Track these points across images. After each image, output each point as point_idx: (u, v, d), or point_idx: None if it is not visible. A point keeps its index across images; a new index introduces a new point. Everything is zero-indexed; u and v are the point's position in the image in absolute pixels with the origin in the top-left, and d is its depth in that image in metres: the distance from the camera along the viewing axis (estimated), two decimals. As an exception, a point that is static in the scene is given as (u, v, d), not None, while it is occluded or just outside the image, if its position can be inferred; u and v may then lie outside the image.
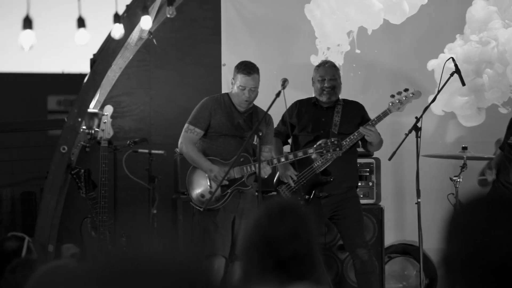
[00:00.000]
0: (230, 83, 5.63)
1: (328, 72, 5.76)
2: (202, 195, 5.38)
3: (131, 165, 6.06)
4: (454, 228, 1.69)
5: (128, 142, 6.07)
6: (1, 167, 6.88)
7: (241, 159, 5.36)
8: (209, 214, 5.33)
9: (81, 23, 3.31)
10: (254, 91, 5.39)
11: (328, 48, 7.05)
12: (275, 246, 2.53)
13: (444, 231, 1.68)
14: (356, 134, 5.56)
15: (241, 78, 5.38)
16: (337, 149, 5.39)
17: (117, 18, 4.04)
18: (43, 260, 5.38)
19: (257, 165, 5.27)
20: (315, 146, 5.44)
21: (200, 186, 5.40)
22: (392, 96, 5.61)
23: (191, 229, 5.67)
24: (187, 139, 5.47)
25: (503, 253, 1.62)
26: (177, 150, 6.32)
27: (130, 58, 6.84)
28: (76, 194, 6.12)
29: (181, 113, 6.89)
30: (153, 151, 5.87)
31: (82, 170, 5.96)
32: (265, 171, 5.31)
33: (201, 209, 5.32)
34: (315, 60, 6.98)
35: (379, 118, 5.57)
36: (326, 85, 5.72)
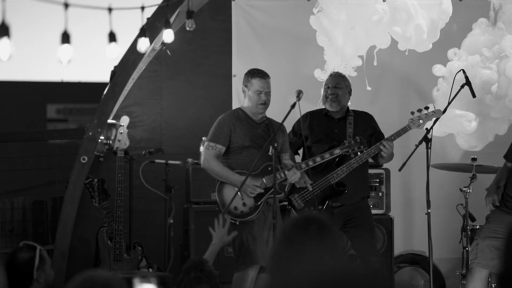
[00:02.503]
0: (241, 93, 5.67)
1: (333, 80, 5.87)
2: (235, 208, 5.36)
3: (146, 175, 6.13)
4: (509, 246, 1.75)
5: (144, 152, 6.14)
6: (13, 176, 6.92)
7: (269, 168, 5.39)
8: (246, 226, 5.33)
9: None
10: (269, 94, 5.49)
11: (336, 57, 7.15)
12: (298, 252, 2.62)
13: (503, 248, 1.74)
14: (374, 148, 5.63)
15: (256, 82, 5.46)
16: (361, 146, 5.49)
17: (142, 32, 4.11)
18: (63, 268, 5.44)
19: (286, 171, 5.37)
20: (340, 146, 5.53)
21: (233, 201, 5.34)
22: (412, 113, 5.66)
23: (204, 238, 5.66)
24: (210, 155, 5.47)
25: None
26: (189, 160, 6.39)
27: (143, 68, 6.91)
28: (89, 203, 6.18)
29: (192, 124, 6.97)
30: (169, 161, 5.93)
31: (96, 180, 6.02)
32: (295, 176, 5.39)
33: (237, 222, 5.30)
34: (320, 75, 7.08)
35: (398, 134, 5.63)
36: (329, 92, 5.81)
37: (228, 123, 5.47)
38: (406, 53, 7.16)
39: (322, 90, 5.99)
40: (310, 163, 5.52)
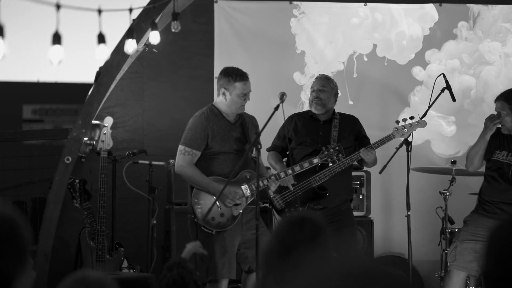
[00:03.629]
0: (220, 92, 5.48)
1: (318, 83, 5.88)
2: (213, 218, 5.27)
3: (129, 176, 6.13)
4: (492, 246, 1.79)
5: (127, 153, 6.15)
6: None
7: (248, 176, 5.38)
8: (218, 238, 5.27)
9: (101, 39, 3.39)
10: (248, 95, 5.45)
11: (316, 63, 7.21)
12: (292, 251, 2.67)
13: (484, 248, 1.79)
14: (355, 155, 5.67)
15: (240, 86, 5.34)
16: (340, 155, 5.52)
17: (130, 33, 4.12)
18: (45, 269, 5.43)
19: (264, 180, 5.34)
20: (319, 155, 5.56)
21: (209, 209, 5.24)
22: (397, 122, 5.71)
23: (185, 240, 5.65)
24: (186, 162, 5.34)
25: None
26: (171, 161, 6.38)
27: (125, 70, 6.91)
28: (69, 204, 6.17)
29: (174, 125, 6.97)
30: (153, 162, 5.93)
31: (77, 181, 6.01)
32: (275, 186, 5.40)
33: (213, 232, 5.26)
34: (299, 79, 7.14)
35: (382, 142, 5.67)
36: (314, 95, 5.84)
37: (205, 128, 5.34)
38: (385, 63, 7.24)
39: (309, 92, 6.00)
40: (289, 172, 5.53)
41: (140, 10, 5.88)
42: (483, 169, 5.77)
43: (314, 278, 1.46)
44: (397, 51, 7.28)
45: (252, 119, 5.50)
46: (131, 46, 4.11)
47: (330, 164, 5.56)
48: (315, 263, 2.53)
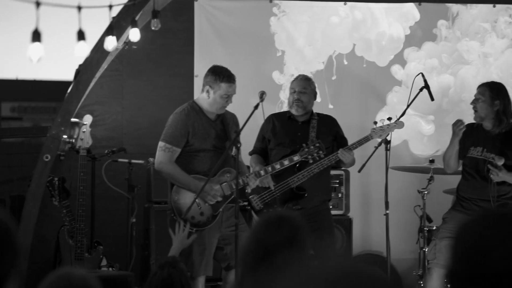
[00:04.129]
0: (205, 89, 5.43)
1: (299, 84, 5.87)
2: (192, 217, 5.25)
3: (108, 174, 6.12)
4: (458, 245, 1.80)
5: (107, 151, 6.13)
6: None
7: (228, 175, 5.37)
8: (199, 235, 5.18)
9: (81, 36, 3.39)
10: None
11: (296, 62, 7.23)
12: (269, 251, 2.67)
13: (451, 246, 1.80)
14: (333, 156, 5.69)
15: (226, 87, 5.32)
16: (320, 152, 5.53)
17: (109, 30, 4.11)
18: (24, 267, 5.40)
19: (244, 179, 5.34)
20: (299, 152, 5.57)
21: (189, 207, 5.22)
22: (375, 123, 5.74)
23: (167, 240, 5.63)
24: (166, 159, 5.30)
25: (505, 271, 1.70)
26: (151, 159, 6.36)
27: (105, 67, 6.89)
28: (48, 202, 6.14)
29: (153, 123, 6.96)
30: (133, 161, 5.92)
31: (56, 179, 5.98)
32: (255, 183, 5.40)
33: (194, 230, 5.20)
34: (278, 78, 7.16)
35: (360, 143, 5.69)
36: (295, 97, 5.84)
37: (186, 125, 5.31)
38: (364, 65, 7.27)
39: (289, 92, 6.00)
40: (269, 169, 5.53)
41: (120, 8, 5.87)
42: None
43: (295, 282, 1.47)
44: (377, 51, 7.32)
45: (233, 117, 5.51)
46: (111, 43, 4.10)
47: (311, 161, 5.57)
48: (295, 266, 2.54)
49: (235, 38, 7.17)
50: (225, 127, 5.42)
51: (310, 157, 5.54)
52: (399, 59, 7.35)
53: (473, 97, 5.72)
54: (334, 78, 7.27)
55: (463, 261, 1.75)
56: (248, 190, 5.47)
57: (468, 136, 5.71)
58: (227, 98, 5.33)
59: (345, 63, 7.28)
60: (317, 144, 5.55)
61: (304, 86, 5.84)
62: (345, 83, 7.29)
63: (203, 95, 5.38)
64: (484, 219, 1.82)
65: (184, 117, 5.33)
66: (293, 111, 5.85)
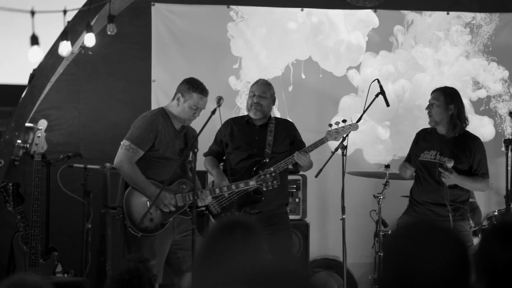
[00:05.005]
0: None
1: (259, 88, 5.88)
2: (141, 222, 5.21)
3: (64, 179, 6.06)
4: (385, 253, 1.82)
5: (62, 156, 6.07)
6: None
7: (183, 187, 5.37)
8: (147, 241, 5.22)
9: (34, 40, 3.35)
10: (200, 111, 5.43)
11: (253, 68, 7.24)
12: (224, 256, 2.67)
13: (382, 259, 1.83)
14: (289, 159, 5.71)
15: (197, 98, 5.33)
16: (275, 181, 5.57)
17: (65, 35, 4.08)
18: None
19: (199, 193, 5.31)
20: (255, 178, 5.59)
21: (140, 213, 5.22)
22: (330, 125, 5.77)
23: (122, 245, 5.59)
24: (129, 158, 5.25)
25: (430, 278, 1.73)
26: (107, 165, 6.32)
27: (60, 72, 6.83)
28: (2, 208, 6.06)
29: (110, 128, 6.92)
30: (88, 166, 5.87)
31: (10, 184, 5.91)
32: (206, 201, 5.41)
33: (139, 235, 5.22)
34: (235, 83, 7.17)
35: (315, 145, 5.72)
36: (254, 101, 5.85)
37: (155, 130, 5.27)
38: (320, 75, 7.32)
39: (248, 96, 6.00)
40: (225, 189, 5.55)
41: (75, 12, 5.82)
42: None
43: (217, 283, 1.46)
44: (334, 61, 7.36)
45: (193, 132, 5.50)
46: (65, 48, 4.07)
47: (264, 189, 5.62)
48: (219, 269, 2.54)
49: (192, 43, 7.16)
50: (187, 140, 5.43)
51: (264, 184, 5.58)
52: (356, 65, 7.41)
53: (428, 103, 5.80)
54: (291, 85, 7.30)
55: (393, 273, 1.77)
56: (200, 204, 5.46)
57: (422, 141, 5.78)
58: (196, 110, 5.33)
59: (302, 70, 7.31)
60: (273, 174, 5.58)
61: (264, 91, 5.86)
62: (302, 90, 7.32)
63: (173, 103, 5.39)
64: (414, 231, 1.84)
65: (154, 121, 5.31)
66: (251, 115, 5.86)
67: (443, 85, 6.07)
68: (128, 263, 3.36)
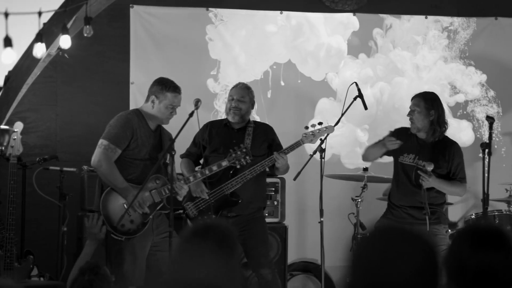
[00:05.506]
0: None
1: (238, 92, 5.88)
2: (122, 225, 5.19)
3: (40, 182, 6.01)
4: (355, 259, 1.82)
5: (38, 159, 6.03)
6: None
7: (157, 181, 5.33)
8: (128, 244, 5.20)
9: (7, 42, 3.32)
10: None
11: (232, 71, 7.23)
12: (195, 261, 2.65)
13: (349, 261, 1.82)
14: (268, 161, 5.71)
15: (171, 98, 5.32)
16: (247, 157, 5.54)
17: (39, 37, 4.04)
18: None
19: (174, 185, 5.32)
20: (227, 157, 5.57)
21: (118, 216, 5.17)
22: (306, 127, 5.77)
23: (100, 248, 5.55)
24: (108, 159, 5.22)
25: (398, 284, 1.73)
26: (84, 167, 6.28)
27: (38, 74, 6.78)
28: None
29: (88, 131, 6.88)
30: (64, 169, 5.83)
31: (-15, 187, 5.87)
32: (183, 191, 5.37)
33: (123, 239, 5.19)
34: (213, 86, 7.16)
35: (292, 148, 5.73)
36: (233, 104, 5.84)
37: (131, 129, 5.25)
38: (299, 81, 7.32)
39: (227, 100, 5.98)
40: (198, 175, 5.52)
41: (51, 14, 5.78)
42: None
43: None
44: (314, 64, 7.36)
45: (169, 135, 5.48)
46: (40, 50, 4.04)
47: (238, 167, 5.58)
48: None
49: (171, 45, 7.14)
50: (162, 140, 5.40)
51: (237, 162, 5.54)
52: (335, 68, 7.42)
53: (408, 109, 5.81)
54: (270, 89, 7.30)
55: (361, 280, 1.76)
56: (180, 198, 5.44)
57: (401, 140, 5.78)
58: (172, 109, 5.33)
59: (282, 74, 7.31)
60: (244, 150, 5.55)
61: (243, 95, 5.86)
62: (281, 93, 7.32)
63: (148, 105, 5.36)
64: (382, 238, 1.84)
65: (130, 120, 5.29)
66: (230, 118, 5.86)
67: (422, 90, 6.09)
68: (81, 278, 3.32)
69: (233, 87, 5.97)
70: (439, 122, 5.73)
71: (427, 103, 5.72)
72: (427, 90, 6.05)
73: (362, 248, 1.82)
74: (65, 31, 4.37)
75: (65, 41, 4.43)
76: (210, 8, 7.24)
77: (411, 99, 5.82)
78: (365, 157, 6.02)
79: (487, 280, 2.36)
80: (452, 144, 5.82)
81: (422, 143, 5.76)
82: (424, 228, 5.55)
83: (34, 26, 4.09)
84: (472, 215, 6.72)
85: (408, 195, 5.72)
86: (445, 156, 5.73)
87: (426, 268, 1.80)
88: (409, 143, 5.79)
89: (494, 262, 2.36)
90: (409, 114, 5.77)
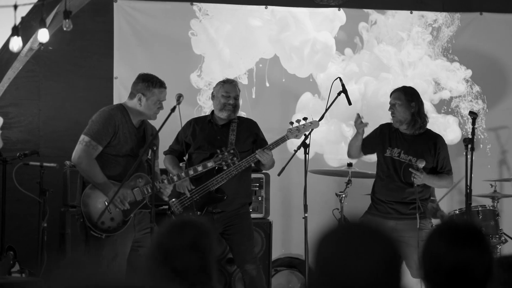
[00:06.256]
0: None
1: (234, 90, 5.80)
2: (102, 223, 5.13)
3: (21, 177, 5.96)
4: (317, 257, 1.79)
5: (18, 154, 5.97)
6: None
7: (140, 180, 5.28)
8: (108, 241, 5.13)
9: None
10: None
11: (216, 66, 7.19)
12: (170, 256, 2.61)
13: (312, 257, 1.79)
14: (251, 157, 5.67)
15: (158, 93, 5.26)
16: (234, 158, 5.50)
17: (15, 31, 4.00)
18: None
19: (158, 184, 5.26)
20: (213, 158, 5.53)
21: (99, 212, 5.11)
22: (291, 123, 5.74)
23: (81, 245, 5.49)
24: (88, 155, 5.15)
25: (359, 282, 1.70)
26: (67, 163, 6.23)
27: (20, 68, 6.73)
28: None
29: (71, 126, 6.83)
30: (45, 164, 5.78)
31: (-35, 182, 5.82)
32: (167, 191, 5.33)
33: (103, 236, 5.13)
34: (196, 81, 7.11)
35: (277, 143, 5.68)
36: (230, 102, 5.77)
37: (114, 125, 5.19)
38: (283, 80, 7.28)
39: (214, 93, 5.88)
40: (182, 175, 5.48)
41: (29, 7, 5.72)
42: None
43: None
44: (299, 60, 7.33)
45: (153, 129, 5.43)
46: (16, 44, 3.99)
47: (225, 168, 5.54)
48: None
49: (155, 40, 7.10)
50: (146, 136, 5.36)
51: (224, 163, 5.50)
52: (322, 67, 7.38)
53: (389, 104, 5.80)
54: (254, 85, 7.26)
55: (323, 273, 1.73)
56: (165, 198, 5.40)
57: (384, 136, 5.77)
58: (160, 104, 5.28)
59: (266, 70, 7.28)
60: (231, 151, 5.51)
61: (238, 93, 5.82)
62: (266, 89, 7.29)
63: (134, 102, 5.29)
64: (343, 234, 1.81)
65: (113, 116, 5.22)
66: (224, 115, 5.76)
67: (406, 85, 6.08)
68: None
69: (226, 83, 5.84)
70: (420, 114, 5.74)
71: (407, 96, 5.74)
72: (405, 85, 6.05)
73: (323, 245, 1.79)
74: (42, 24, 4.32)
75: (43, 35, 4.38)
76: (194, 3, 7.19)
77: (390, 94, 5.82)
78: (348, 153, 6.03)
79: (462, 277, 2.34)
80: (437, 137, 5.83)
81: (406, 137, 5.76)
82: (397, 224, 5.60)
83: (11, 19, 4.04)
84: (457, 210, 6.71)
85: (393, 190, 5.71)
86: (430, 150, 5.74)
87: (389, 265, 1.77)
88: (393, 137, 5.78)
89: (470, 259, 2.34)
90: (390, 108, 5.77)
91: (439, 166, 5.74)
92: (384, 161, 5.80)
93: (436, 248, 2.37)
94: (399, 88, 5.89)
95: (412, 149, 5.71)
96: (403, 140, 5.75)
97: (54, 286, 1.34)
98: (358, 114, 5.85)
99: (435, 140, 5.79)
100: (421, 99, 5.83)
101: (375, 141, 5.88)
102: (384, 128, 5.87)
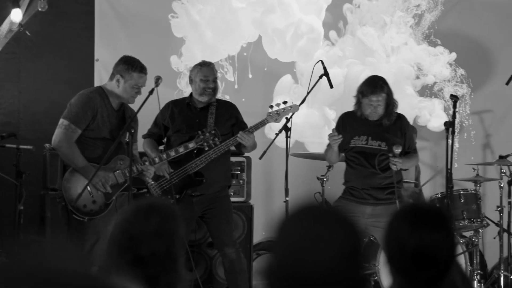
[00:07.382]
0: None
1: (212, 73, 5.75)
2: (84, 206, 5.13)
3: (-3, 160, 5.93)
4: (276, 245, 1.75)
5: (-5, 136, 5.93)
6: None
7: (121, 162, 5.26)
8: (90, 224, 5.12)
9: None
10: None
11: (199, 49, 7.15)
12: (135, 242, 2.55)
13: (272, 247, 1.75)
14: (232, 140, 5.63)
15: (137, 78, 5.23)
16: (216, 139, 5.47)
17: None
18: None
19: (139, 166, 5.23)
20: (194, 139, 5.50)
21: (82, 198, 5.09)
22: (271, 106, 5.70)
23: (62, 228, 5.47)
24: (68, 139, 5.13)
25: (317, 269, 1.67)
26: (47, 145, 6.19)
27: (0, 50, 6.67)
28: None
29: (52, 108, 6.77)
30: (21, 146, 5.73)
31: None
32: (150, 172, 5.30)
33: (85, 220, 5.11)
34: (176, 63, 7.06)
35: (256, 127, 5.65)
36: (210, 85, 5.73)
37: (92, 108, 5.16)
38: (266, 64, 7.23)
39: (192, 76, 5.84)
40: (164, 156, 5.45)
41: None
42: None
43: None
44: (281, 45, 7.28)
45: (132, 112, 5.39)
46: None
47: (206, 149, 5.51)
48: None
49: (137, 22, 7.05)
50: (126, 119, 5.32)
51: (205, 144, 5.48)
52: (308, 55, 7.33)
53: (371, 104, 5.71)
54: (236, 70, 7.22)
55: (280, 262, 1.69)
56: (149, 181, 5.36)
57: (348, 126, 5.71)
58: (138, 88, 5.24)
59: (250, 53, 7.23)
60: (213, 131, 5.49)
61: (215, 75, 5.77)
62: (249, 70, 7.25)
63: (113, 84, 5.26)
64: (299, 218, 1.76)
65: (92, 99, 5.20)
66: (205, 99, 5.72)
67: (389, 70, 6.02)
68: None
69: (203, 67, 5.77)
70: (394, 103, 5.67)
71: (385, 91, 5.63)
72: (374, 77, 5.83)
73: (282, 229, 1.75)
74: (15, 4, 4.26)
75: (16, 14, 4.32)
76: (176, -15, 7.14)
77: (370, 96, 5.64)
78: (329, 162, 5.98)
79: (426, 260, 2.32)
80: (400, 118, 5.76)
81: (370, 123, 5.67)
82: (374, 209, 5.60)
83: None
84: (438, 194, 6.69)
85: (366, 177, 5.68)
86: (397, 132, 5.69)
87: (349, 251, 1.73)
88: (357, 125, 5.70)
89: (433, 242, 2.32)
90: (372, 111, 5.64)
91: (407, 146, 5.71)
92: (352, 150, 5.74)
93: (399, 231, 2.35)
94: (377, 88, 5.64)
95: (378, 134, 5.65)
96: (367, 126, 5.68)
97: None
98: (333, 129, 5.71)
99: (400, 121, 5.74)
100: (389, 86, 5.73)
101: (343, 134, 5.77)
102: (345, 118, 5.79)
